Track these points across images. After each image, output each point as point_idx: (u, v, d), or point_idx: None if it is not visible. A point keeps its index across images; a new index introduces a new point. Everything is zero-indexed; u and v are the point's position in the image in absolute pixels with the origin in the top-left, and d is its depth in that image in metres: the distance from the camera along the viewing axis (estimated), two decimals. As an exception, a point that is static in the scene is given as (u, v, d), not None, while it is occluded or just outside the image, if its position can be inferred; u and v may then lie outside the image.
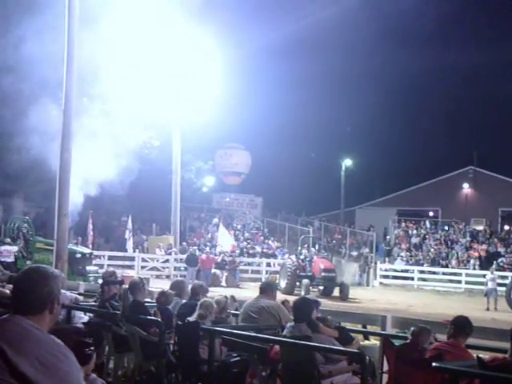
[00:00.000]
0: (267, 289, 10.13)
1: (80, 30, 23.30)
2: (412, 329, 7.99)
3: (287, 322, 8.96)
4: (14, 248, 27.56)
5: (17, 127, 29.91)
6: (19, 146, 31.76)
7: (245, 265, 39.55)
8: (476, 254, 43.82)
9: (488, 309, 28.49)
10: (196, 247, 36.77)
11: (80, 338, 4.30)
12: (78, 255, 27.06)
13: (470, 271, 41.26)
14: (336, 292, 30.69)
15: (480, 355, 6.76)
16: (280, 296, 10.61)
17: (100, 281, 16.25)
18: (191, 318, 9.08)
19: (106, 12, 28.14)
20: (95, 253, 31.70)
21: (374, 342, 10.52)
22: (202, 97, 37.03)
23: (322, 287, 31.32)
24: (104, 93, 29.28)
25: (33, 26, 25.57)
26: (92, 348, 4.36)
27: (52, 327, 3.56)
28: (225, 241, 38.52)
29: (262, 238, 47.66)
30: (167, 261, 37.67)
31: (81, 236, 34.18)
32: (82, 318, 11.65)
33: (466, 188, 57.41)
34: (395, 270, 43.03)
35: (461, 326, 7.39)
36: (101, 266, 30.31)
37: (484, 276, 35.26)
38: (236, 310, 10.84)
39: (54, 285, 3.52)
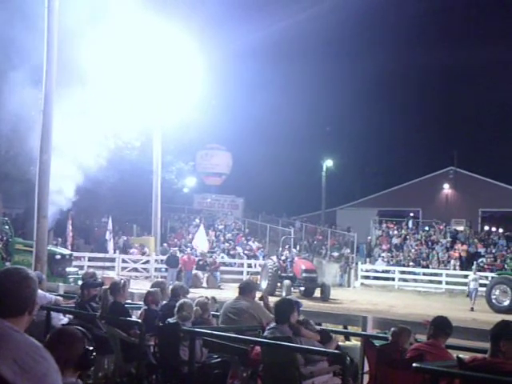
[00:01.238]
0: (246, 289, 10.10)
1: (60, 31, 23.14)
2: (392, 329, 8.00)
3: (267, 322, 8.95)
4: (-7, 249, 27.36)
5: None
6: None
7: (226, 266, 39.52)
8: (456, 255, 44.04)
9: (472, 309, 28.64)
10: (177, 248, 36.70)
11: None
12: (58, 256, 26.89)
13: (451, 271, 41.47)
14: (317, 293, 30.76)
15: (460, 355, 6.78)
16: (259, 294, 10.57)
17: (80, 282, 16.16)
18: (172, 320, 9.04)
19: (85, 15, 27.98)
20: (75, 254, 31.53)
21: (355, 342, 10.52)
22: (183, 98, 36.96)
23: (303, 288, 31.34)
24: (83, 93, 29.12)
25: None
26: (95, 353, 4.39)
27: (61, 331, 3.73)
28: (200, 243, 38.48)
29: (243, 238, 47.63)
30: (147, 262, 37.58)
31: (60, 237, 33.99)
32: (61, 319, 11.59)
33: (447, 188, 57.70)
34: (376, 271, 43.18)
35: (441, 326, 7.40)
36: (81, 268, 30.16)
37: (465, 276, 35.55)
38: (217, 311, 10.81)
39: (35, 286, 3.52)
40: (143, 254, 38.53)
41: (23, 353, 3.21)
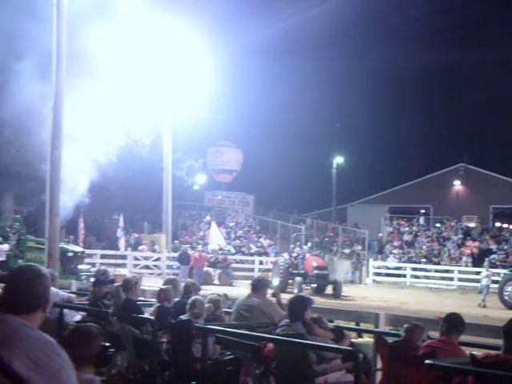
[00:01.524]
0: (259, 286, 10.11)
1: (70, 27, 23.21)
2: (405, 326, 7.99)
3: (279, 319, 8.96)
4: (6, 247, 27.49)
5: (7, 125, 29.94)
6: (9, 144, 31.79)
7: (237, 263, 39.54)
8: (468, 251, 43.87)
9: (485, 306, 28.52)
10: (188, 245, 36.72)
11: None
12: (70, 254, 27.00)
13: (463, 268, 41.29)
14: (329, 290, 30.71)
15: (473, 352, 6.76)
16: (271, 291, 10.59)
17: (92, 279, 16.23)
18: (184, 317, 9.06)
19: (95, 12, 28.04)
20: (87, 251, 31.61)
21: (368, 339, 10.50)
22: (193, 95, 36.98)
23: (314, 285, 31.32)
24: (94, 89, 29.19)
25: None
26: (113, 349, 4.49)
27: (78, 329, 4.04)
28: (215, 239, 38.54)
29: (254, 235, 47.63)
30: (158, 259, 37.62)
31: (72, 234, 34.10)
32: (74, 316, 11.64)
33: (458, 185, 57.52)
34: (387, 268, 43.09)
35: (453, 322, 7.38)
36: (93, 265, 30.25)
37: (477, 273, 35.40)
38: (229, 308, 10.83)
39: (48, 283, 3.54)
40: (154, 251, 38.59)
41: (37, 349, 3.24)
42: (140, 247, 38.73)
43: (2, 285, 3.52)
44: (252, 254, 42.52)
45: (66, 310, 11.21)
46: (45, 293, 3.50)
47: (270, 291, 10.34)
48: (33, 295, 3.44)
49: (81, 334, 4.48)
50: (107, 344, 4.43)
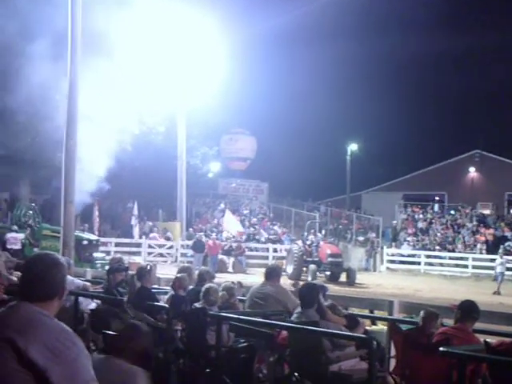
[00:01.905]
0: (273, 274, 10.14)
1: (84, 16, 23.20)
2: (420, 313, 7.98)
3: (293, 307, 8.98)
4: (21, 235, 27.65)
5: (22, 112, 30.02)
6: (24, 131, 31.87)
7: (251, 250, 39.58)
8: (483, 239, 43.76)
9: (499, 293, 28.47)
10: (202, 233, 36.79)
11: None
12: (85, 242, 27.11)
13: (477, 255, 41.20)
14: (343, 277, 30.74)
15: (487, 339, 6.77)
16: (287, 281, 10.61)
17: (107, 267, 16.30)
18: (198, 304, 9.09)
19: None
20: (102, 239, 31.74)
21: (382, 326, 10.51)
22: (207, 82, 36.91)
23: (328, 272, 31.35)
24: (108, 76, 29.21)
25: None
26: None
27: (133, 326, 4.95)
28: (231, 226, 38.57)
29: (268, 223, 47.65)
30: (171, 247, 37.70)
31: (87, 223, 34.23)
32: (89, 304, 11.70)
33: (472, 172, 57.29)
34: (402, 255, 43.04)
35: (468, 310, 7.37)
36: (108, 253, 30.38)
37: (491, 260, 35.31)
38: (243, 295, 10.86)
39: (65, 272, 3.56)
40: (167, 238, 38.65)
41: (53, 338, 3.24)
42: (151, 235, 38.78)
43: (18, 273, 3.56)
44: (265, 242, 42.56)
45: (81, 298, 11.27)
46: (62, 281, 3.51)
47: (283, 279, 10.35)
48: (50, 283, 3.44)
49: (132, 329, 4.97)
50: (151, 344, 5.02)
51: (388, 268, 40.65)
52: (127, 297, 10.38)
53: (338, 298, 11.11)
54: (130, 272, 11.68)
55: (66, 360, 3.22)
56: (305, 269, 30.81)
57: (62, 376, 3.19)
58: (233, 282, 10.68)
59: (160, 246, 37.59)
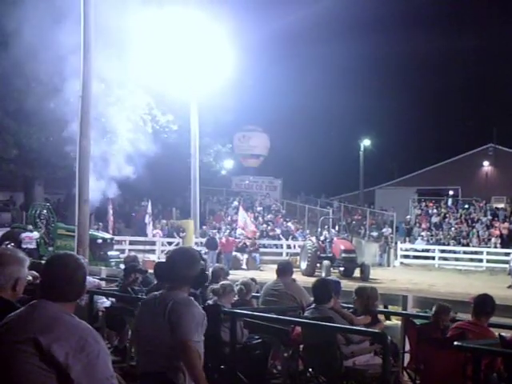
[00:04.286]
0: (285, 270, 10.15)
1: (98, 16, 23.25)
2: (434, 307, 7.98)
3: (307, 303, 8.99)
4: (36, 234, 27.73)
5: (36, 114, 30.13)
6: (39, 131, 31.97)
7: (265, 247, 39.56)
8: (497, 233, 43.60)
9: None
10: (216, 230, 36.81)
11: None
12: (100, 240, 27.23)
13: (492, 250, 41.06)
14: (357, 273, 30.67)
15: (502, 334, 6.76)
16: (301, 278, 10.61)
17: (122, 266, 16.35)
18: (211, 301, 9.11)
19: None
20: (116, 238, 31.81)
21: (396, 321, 10.51)
22: (220, 79, 36.88)
23: (342, 268, 31.31)
24: (121, 78, 29.25)
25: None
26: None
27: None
28: (245, 224, 38.59)
29: (281, 219, 47.65)
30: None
31: (101, 221, 34.33)
32: (104, 302, 11.76)
33: (486, 166, 57.04)
34: (416, 250, 42.99)
35: (483, 304, 7.36)
36: (122, 251, 30.47)
37: (506, 254, 35.18)
38: (257, 292, 10.87)
39: (86, 273, 3.69)
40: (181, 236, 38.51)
41: (76, 335, 3.33)
42: (154, 231, 38.61)
43: (33, 272, 3.60)
44: (279, 238, 42.55)
45: (96, 296, 11.33)
46: (84, 282, 3.64)
47: (298, 275, 10.36)
48: (75, 285, 3.56)
49: (185, 254, 5.12)
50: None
51: (402, 263, 40.59)
52: (143, 294, 10.41)
53: (352, 294, 11.10)
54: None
55: (88, 357, 3.31)
56: (318, 265, 30.80)
57: (84, 372, 3.28)
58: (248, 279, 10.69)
59: (174, 244, 37.58)
